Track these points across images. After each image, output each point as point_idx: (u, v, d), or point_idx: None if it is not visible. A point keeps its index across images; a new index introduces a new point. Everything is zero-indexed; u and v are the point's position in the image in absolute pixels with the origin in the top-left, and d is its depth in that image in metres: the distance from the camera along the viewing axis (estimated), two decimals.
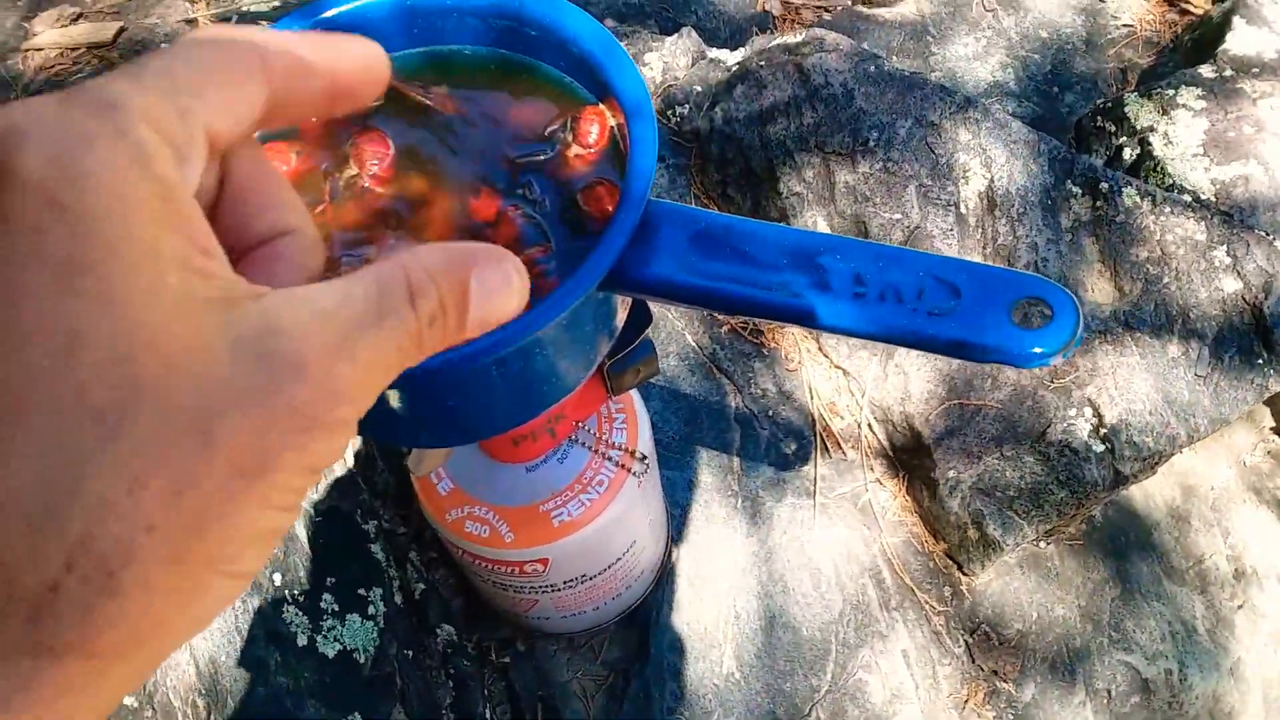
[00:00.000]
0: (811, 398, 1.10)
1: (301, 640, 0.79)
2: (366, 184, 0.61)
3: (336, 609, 0.82)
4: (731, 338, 1.12)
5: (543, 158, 0.61)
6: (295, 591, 0.81)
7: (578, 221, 0.59)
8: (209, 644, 0.77)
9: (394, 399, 0.56)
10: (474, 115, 0.64)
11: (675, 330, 1.11)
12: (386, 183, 0.61)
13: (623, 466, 0.80)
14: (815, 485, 0.99)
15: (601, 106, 0.61)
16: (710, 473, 0.99)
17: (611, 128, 0.61)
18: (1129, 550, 1.11)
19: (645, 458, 0.82)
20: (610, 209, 0.58)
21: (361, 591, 0.83)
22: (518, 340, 0.50)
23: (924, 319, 0.50)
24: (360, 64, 0.28)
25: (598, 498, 0.78)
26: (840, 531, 0.99)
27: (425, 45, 0.65)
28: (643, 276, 0.54)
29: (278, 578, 0.81)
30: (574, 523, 0.76)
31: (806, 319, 0.52)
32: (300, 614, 0.80)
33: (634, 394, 0.82)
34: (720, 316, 1.12)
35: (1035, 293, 0.51)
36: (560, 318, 0.51)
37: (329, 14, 0.62)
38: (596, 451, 0.80)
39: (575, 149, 0.61)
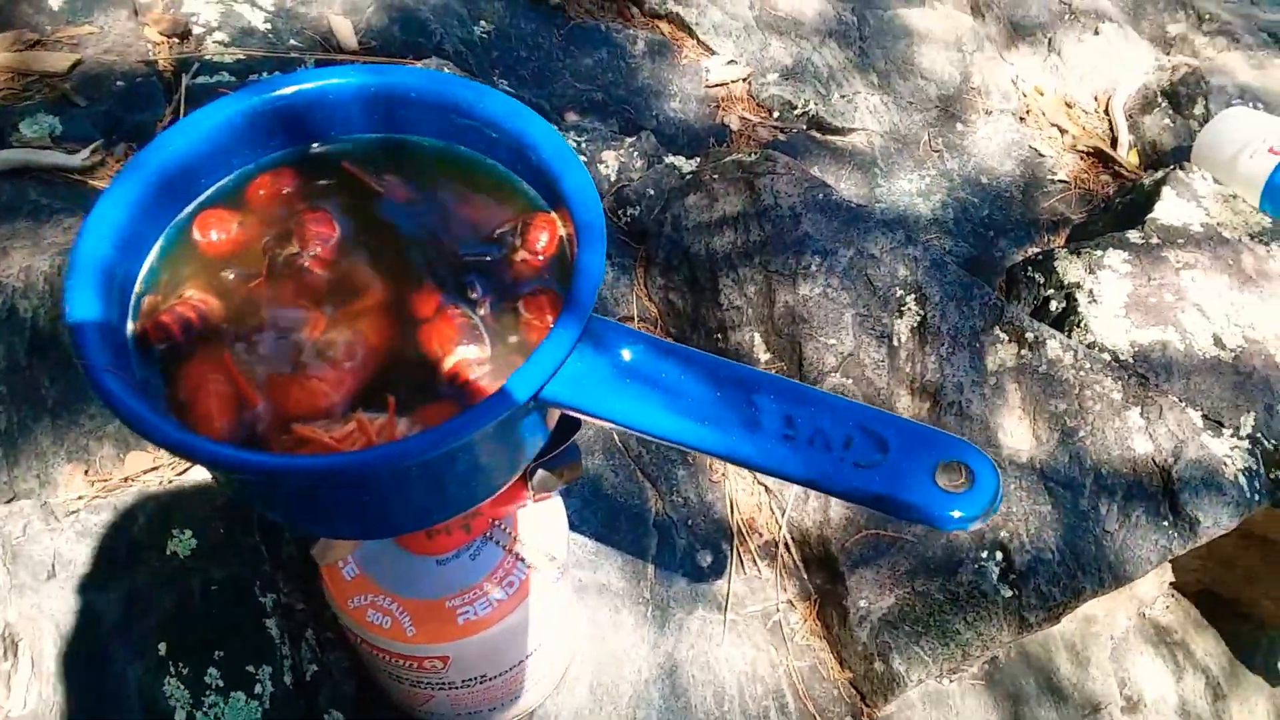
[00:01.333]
0: (732, 511, 1.10)
1: (180, 716, 0.75)
2: (306, 263, 0.60)
3: (221, 685, 0.78)
4: (663, 445, 1.12)
5: (489, 259, 0.61)
6: (179, 662, 0.77)
7: (517, 328, 0.58)
8: (80, 708, 0.73)
9: (308, 493, 0.54)
10: (424, 207, 0.63)
11: (603, 429, 1.10)
12: (327, 265, 0.60)
13: (536, 569, 0.78)
14: (727, 600, 0.98)
15: (553, 215, 0.61)
16: (623, 577, 0.97)
17: (561, 237, 0.61)
18: (1027, 694, 1.12)
19: (559, 561, 0.80)
20: (551, 319, 0.57)
21: (249, 669, 0.79)
22: (442, 446, 0.49)
23: (850, 470, 0.50)
24: None
25: (506, 599, 0.76)
26: (748, 650, 0.98)
27: (384, 132, 0.65)
28: (575, 396, 0.53)
29: (162, 646, 0.77)
30: (479, 622, 0.73)
31: (735, 456, 0.52)
32: (181, 687, 0.76)
33: (555, 496, 0.81)
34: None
35: (959, 456, 0.52)
36: (487, 427, 0.50)
37: (286, 91, 0.62)
38: (510, 551, 0.78)
39: (522, 254, 0.61)
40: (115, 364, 0.51)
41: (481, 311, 0.58)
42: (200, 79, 1.20)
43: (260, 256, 0.60)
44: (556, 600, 0.82)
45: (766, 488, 1.10)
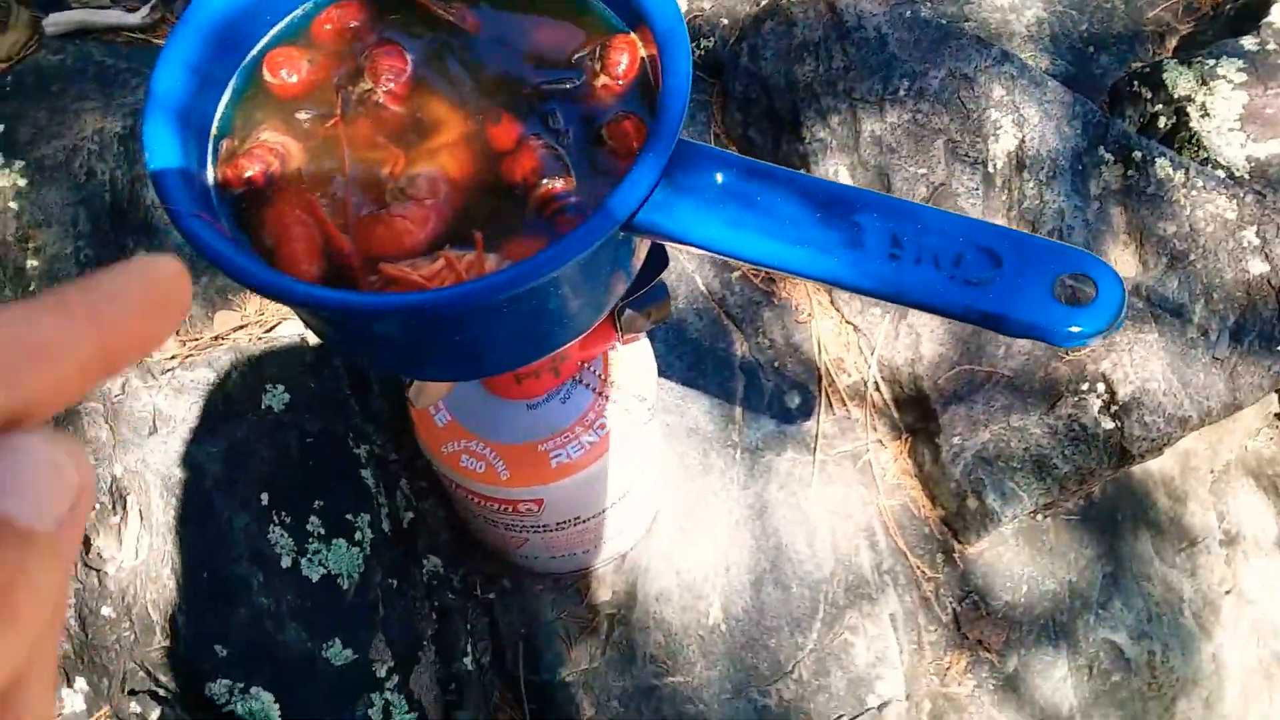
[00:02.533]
0: (819, 351, 1.07)
1: (285, 562, 0.78)
2: (380, 99, 0.57)
3: (323, 533, 0.80)
4: (743, 284, 1.09)
5: (568, 86, 0.57)
6: (282, 512, 0.79)
7: (602, 156, 0.56)
8: (189, 558, 0.76)
9: (401, 334, 0.54)
10: (498, 34, 0.60)
11: (685, 272, 1.08)
12: (402, 100, 0.58)
13: (626, 411, 0.78)
14: (816, 441, 0.97)
15: (633, 35, 0.58)
16: (711, 420, 0.97)
17: (642, 59, 0.57)
18: (1124, 528, 1.10)
19: (649, 403, 0.80)
20: (637, 146, 0.54)
21: (349, 517, 0.82)
22: (533, 280, 0.47)
23: (961, 287, 0.47)
24: (143, 309, 0.20)
25: (598, 441, 0.76)
26: (838, 490, 0.98)
27: None
28: (667, 222, 0.51)
29: (265, 496, 0.79)
30: (572, 465, 0.74)
31: (837, 278, 0.49)
32: (286, 535, 0.78)
33: (643, 337, 0.80)
34: (731, 267, 1.09)
35: (1081, 268, 0.48)
36: (578, 259, 0.48)
37: None
38: (600, 394, 0.78)
39: (603, 79, 0.57)
40: (201, 209, 0.50)
41: (565, 141, 0.55)
42: None
43: (334, 95, 0.57)
44: (647, 442, 0.82)
45: (855, 326, 1.08)
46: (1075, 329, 0.46)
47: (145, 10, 1.09)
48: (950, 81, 1.08)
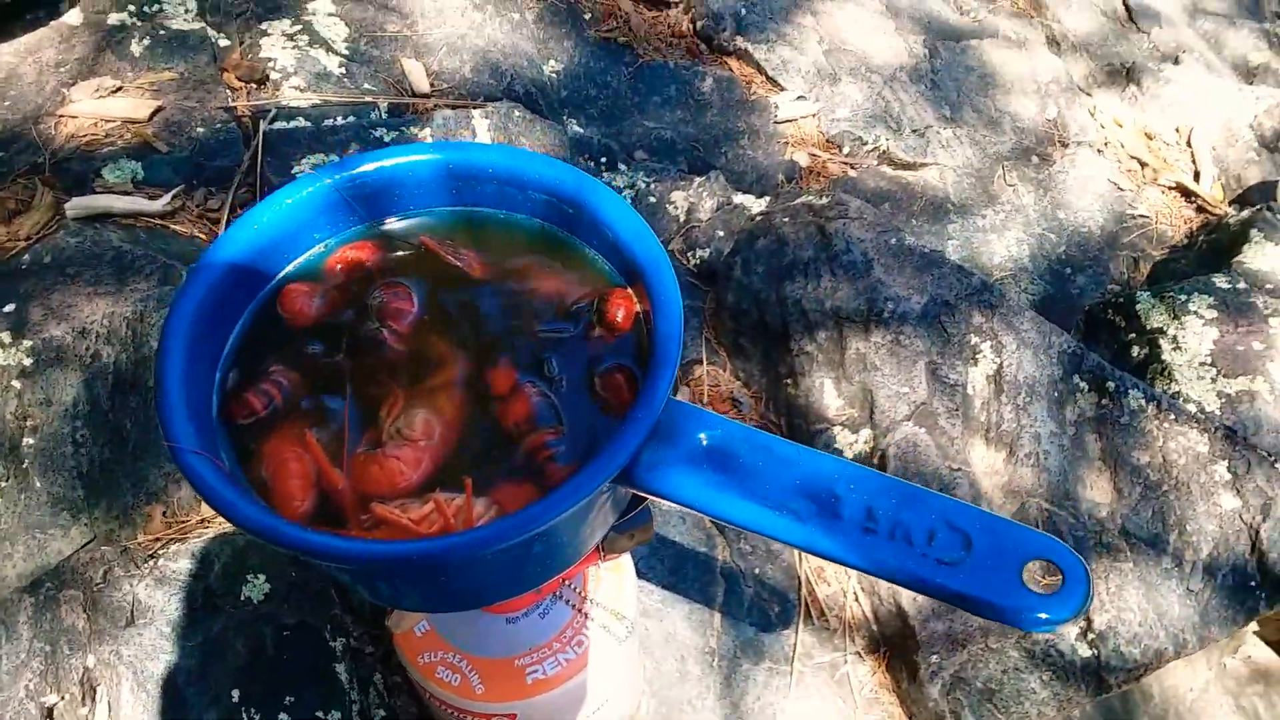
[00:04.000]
0: (800, 559, 1.08)
1: None
2: (385, 339, 0.60)
3: None
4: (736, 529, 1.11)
5: (565, 335, 0.61)
6: (251, 709, 0.78)
7: (594, 405, 0.58)
8: None
9: (387, 578, 0.55)
10: (501, 282, 0.64)
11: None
12: (406, 340, 0.61)
13: (604, 628, 0.78)
14: (794, 652, 0.97)
15: (629, 290, 0.61)
16: (690, 627, 0.96)
17: (637, 313, 0.60)
18: None
19: (628, 621, 0.80)
20: (627, 398, 0.57)
21: (320, 714, 0.80)
22: (518, 536, 0.49)
23: (932, 566, 0.49)
24: None
25: (575, 658, 0.76)
26: (815, 704, 0.97)
27: (462, 204, 0.65)
28: (651, 479, 0.53)
29: (235, 693, 0.78)
30: (548, 681, 0.73)
31: (813, 548, 0.51)
32: None
33: (625, 554, 0.80)
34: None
35: (1048, 555, 0.50)
36: (563, 516, 0.50)
37: (365, 169, 0.62)
38: (580, 610, 0.78)
39: (599, 330, 0.60)
40: (201, 443, 0.52)
41: (559, 388, 0.58)
42: (277, 124, 1.23)
43: (341, 331, 0.60)
44: (624, 657, 0.82)
45: None
46: (1043, 615, 0.48)
47: (167, 199, 1.14)
48: (932, 306, 1.13)
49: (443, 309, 0.62)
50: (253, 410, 0.56)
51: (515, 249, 0.64)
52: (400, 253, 0.64)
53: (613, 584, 0.79)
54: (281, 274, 0.62)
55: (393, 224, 0.65)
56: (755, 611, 1.02)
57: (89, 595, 0.81)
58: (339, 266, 0.63)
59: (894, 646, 1.02)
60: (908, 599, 1.02)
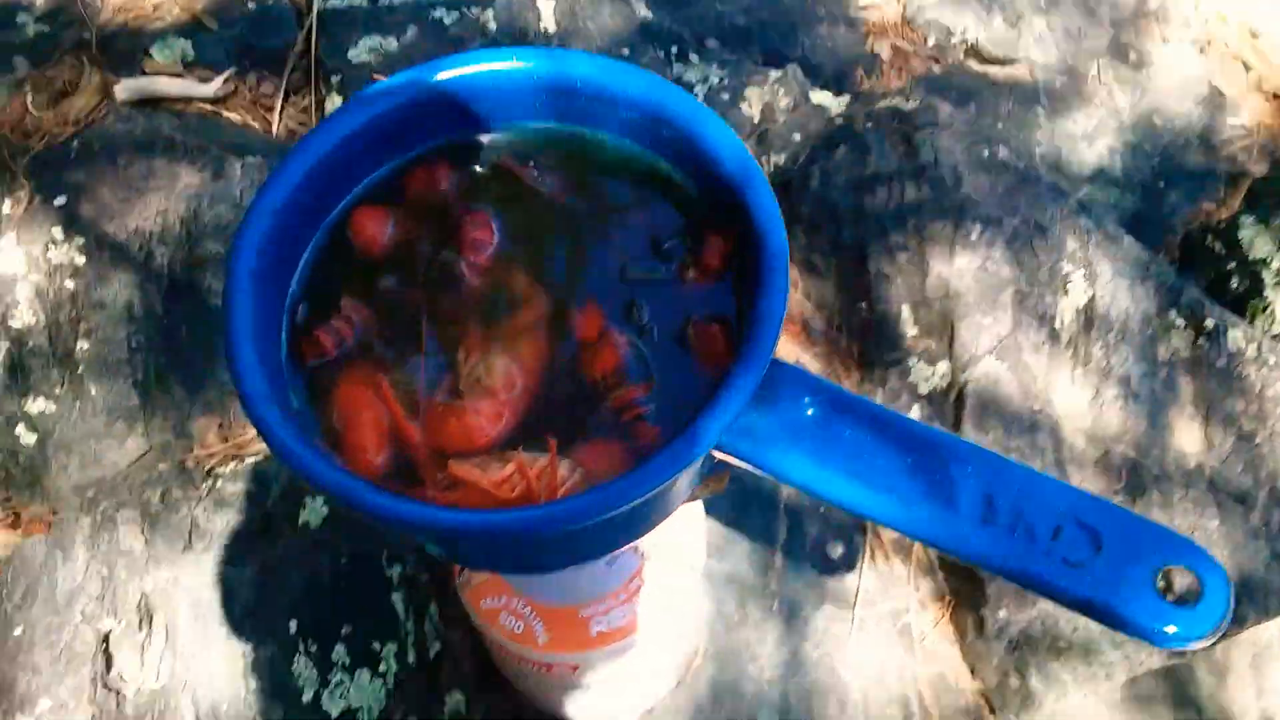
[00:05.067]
0: None
1: (307, 695, 0.75)
2: (464, 271, 0.56)
3: (348, 663, 0.78)
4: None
5: (657, 276, 0.56)
6: (309, 640, 0.77)
7: (686, 359, 0.54)
8: (212, 691, 0.74)
9: (461, 544, 0.52)
10: (590, 211, 0.58)
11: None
12: (485, 273, 0.56)
13: (673, 577, 0.76)
14: (856, 597, 0.94)
15: (726, 235, 0.56)
16: (751, 567, 0.94)
17: (731, 254, 0.55)
18: (1156, 701, 1.06)
19: (698, 572, 0.77)
20: (723, 354, 0.52)
21: (375, 646, 0.80)
22: (603, 512, 0.45)
23: (1057, 567, 0.45)
24: None
25: (641, 609, 0.74)
26: (875, 653, 0.94)
27: (555, 121, 0.59)
28: (749, 448, 0.49)
29: (293, 624, 0.77)
30: (613, 633, 0.71)
31: (923, 535, 0.47)
32: (310, 666, 0.76)
33: (696, 503, 0.77)
34: None
35: (1187, 561, 0.46)
36: (658, 489, 0.46)
37: (446, 75, 0.57)
38: (648, 559, 0.75)
39: (693, 271, 0.55)
40: (272, 389, 0.49)
41: (649, 338, 0.53)
42: (332, 2, 1.15)
43: (416, 261, 0.56)
44: (690, 607, 0.80)
45: None
46: (1172, 629, 0.44)
47: (219, 82, 1.09)
48: (1023, 230, 1.06)
49: (525, 240, 0.57)
50: (324, 350, 0.52)
51: (607, 173, 0.58)
52: (480, 174, 0.58)
53: (683, 534, 0.76)
54: (352, 195, 0.57)
55: (473, 140, 0.59)
56: (818, 553, 0.98)
57: (147, 517, 0.80)
58: (414, 188, 0.58)
59: (960, 597, 0.99)
60: None
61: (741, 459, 0.50)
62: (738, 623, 0.91)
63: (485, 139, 0.59)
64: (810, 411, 0.49)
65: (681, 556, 0.75)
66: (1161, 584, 0.45)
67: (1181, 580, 0.46)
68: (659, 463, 0.46)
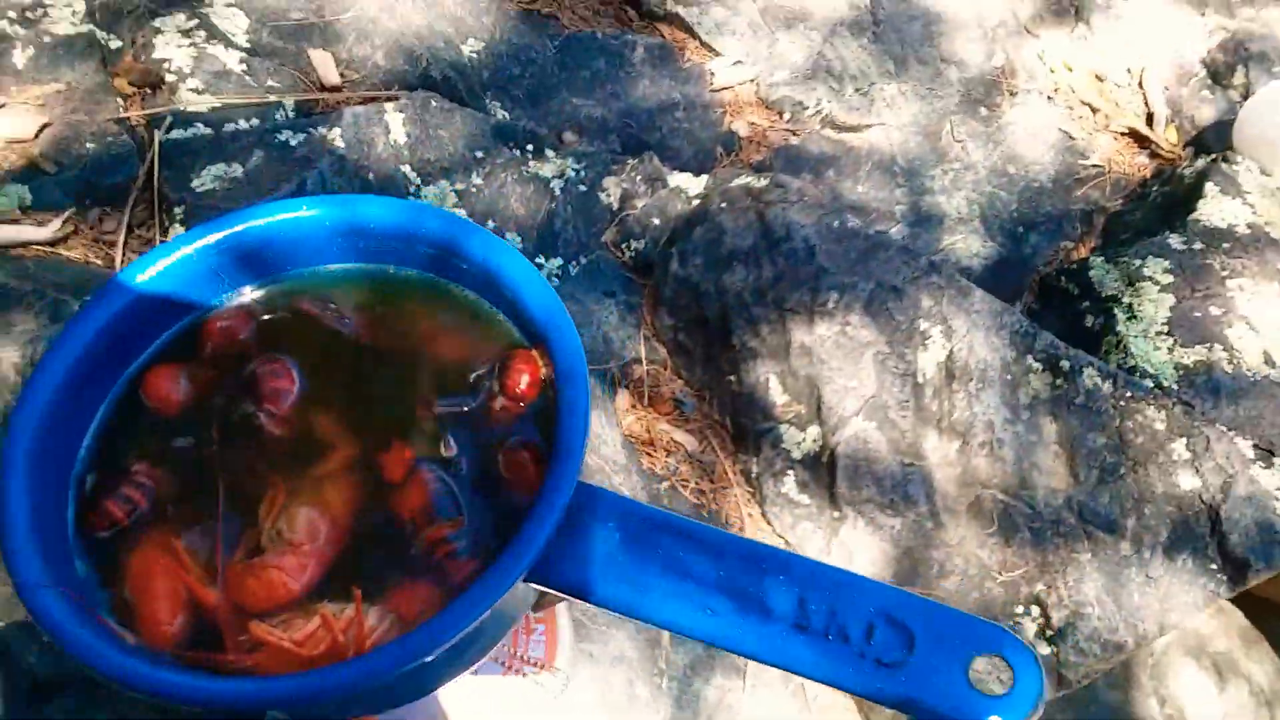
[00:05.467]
0: None
1: None
2: (263, 424, 0.54)
3: None
4: (671, 495, 1.06)
5: (465, 409, 0.55)
6: None
7: (496, 488, 0.53)
8: None
9: (299, 711, 0.49)
10: (393, 348, 0.57)
11: (611, 484, 1.05)
12: (286, 423, 0.55)
13: (537, 684, 0.74)
14: (746, 665, 0.93)
15: (534, 351, 0.55)
16: (636, 647, 0.93)
17: (543, 379, 0.55)
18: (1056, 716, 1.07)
19: (563, 674, 0.76)
20: (534, 480, 0.52)
21: None
22: (416, 660, 0.44)
23: (871, 669, 0.45)
24: None
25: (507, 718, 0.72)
26: (770, 716, 0.93)
27: (350, 261, 0.58)
28: (562, 578, 0.48)
29: None
30: None
31: (740, 649, 0.46)
32: None
33: (559, 605, 0.76)
34: (659, 477, 1.07)
35: (997, 649, 0.46)
36: (466, 629, 0.45)
37: (238, 228, 0.56)
38: (509, 668, 0.74)
39: (501, 400, 0.55)
40: (50, 568, 0.46)
41: (458, 470, 0.53)
42: (174, 133, 1.14)
43: (214, 417, 0.54)
44: (561, 709, 0.78)
45: (786, 541, 1.05)
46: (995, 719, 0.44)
47: (57, 224, 1.06)
48: (879, 293, 1.08)
49: (327, 384, 0.56)
50: (114, 520, 0.50)
51: (409, 308, 0.58)
52: (279, 321, 0.57)
53: (544, 637, 0.74)
54: (146, 354, 0.56)
55: (268, 288, 0.58)
56: None
57: None
58: (209, 342, 0.56)
59: None
60: None
61: (559, 589, 0.49)
62: (627, 704, 0.89)
63: (283, 286, 0.58)
64: (619, 534, 0.49)
65: (544, 659, 0.74)
66: (974, 676, 0.44)
67: (994, 669, 0.45)
68: (459, 607, 0.45)
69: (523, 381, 0.54)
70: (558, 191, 1.23)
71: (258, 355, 0.56)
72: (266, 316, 0.57)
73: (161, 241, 1.10)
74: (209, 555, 0.50)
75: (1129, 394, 1.05)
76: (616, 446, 1.06)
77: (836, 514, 1.01)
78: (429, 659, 0.44)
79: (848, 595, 0.46)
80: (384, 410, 0.55)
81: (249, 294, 0.58)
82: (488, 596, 0.45)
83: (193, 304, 0.56)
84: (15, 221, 1.06)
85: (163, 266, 0.54)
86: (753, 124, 1.50)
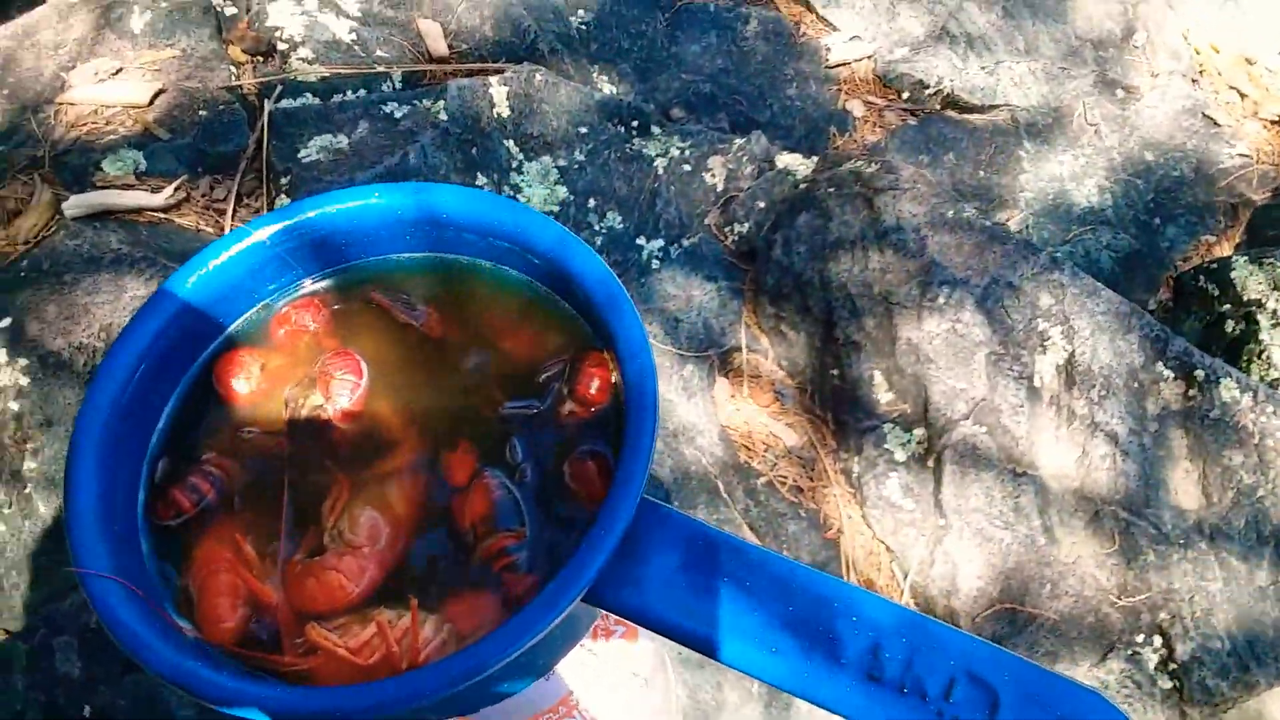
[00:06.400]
0: (848, 571, 1.00)
1: None
2: (331, 417, 0.53)
3: None
4: (768, 492, 1.02)
5: (533, 412, 0.52)
6: None
7: (560, 500, 0.50)
8: None
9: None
10: (462, 342, 0.55)
11: (706, 477, 1.02)
12: (353, 417, 0.53)
13: (614, 688, 0.72)
14: None
15: (606, 355, 0.53)
16: None
17: (615, 383, 0.52)
18: None
19: (642, 675, 0.73)
20: (599, 492, 0.49)
21: None
22: (469, 681, 0.42)
23: None
24: None
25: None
26: None
27: (424, 250, 0.56)
28: (621, 601, 0.45)
29: None
30: None
31: (804, 693, 0.43)
32: None
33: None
34: (756, 473, 1.03)
35: (1090, 716, 0.41)
36: (520, 651, 0.43)
37: (309, 215, 0.54)
38: (582, 671, 0.72)
39: (570, 405, 0.52)
40: (115, 556, 0.46)
41: (522, 479, 0.50)
42: (284, 103, 1.15)
43: (282, 409, 0.53)
44: (647, 706, 0.76)
45: (888, 546, 1.00)
46: None
47: (170, 190, 1.08)
48: (994, 289, 1.01)
49: (396, 379, 0.54)
50: (181, 509, 0.50)
51: (480, 302, 0.55)
52: (349, 311, 0.56)
53: (624, 637, 0.72)
54: (218, 341, 0.55)
55: (339, 276, 0.57)
56: None
57: (84, 642, 0.78)
58: (281, 330, 0.55)
59: None
60: (965, 620, 0.94)
61: (617, 612, 0.46)
62: (715, 709, 0.86)
63: (357, 275, 0.57)
64: (682, 560, 0.46)
65: (622, 661, 0.71)
66: None
67: None
68: (511, 631, 0.42)
69: (593, 386, 0.51)
70: (661, 171, 1.20)
71: (327, 346, 0.55)
72: (337, 306, 0.56)
73: (254, 217, 1.11)
74: (271, 552, 0.49)
75: (1271, 409, 0.96)
76: (714, 438, 1.03)
77: (941, 522, 0.95)
78: (483, 676, 0.42)
79: (927, 645, 0.42)
80: (451, 408, 0.53)
81: (320, 282, 0.56)
82: (542, 619, 0.43)
83: (264, 291, 0.56)
84: (130, 187, 1.08)
85: (234, 252, 0.53)
86: (868, 103, 1.43)
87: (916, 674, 0.41)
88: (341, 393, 0.53)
